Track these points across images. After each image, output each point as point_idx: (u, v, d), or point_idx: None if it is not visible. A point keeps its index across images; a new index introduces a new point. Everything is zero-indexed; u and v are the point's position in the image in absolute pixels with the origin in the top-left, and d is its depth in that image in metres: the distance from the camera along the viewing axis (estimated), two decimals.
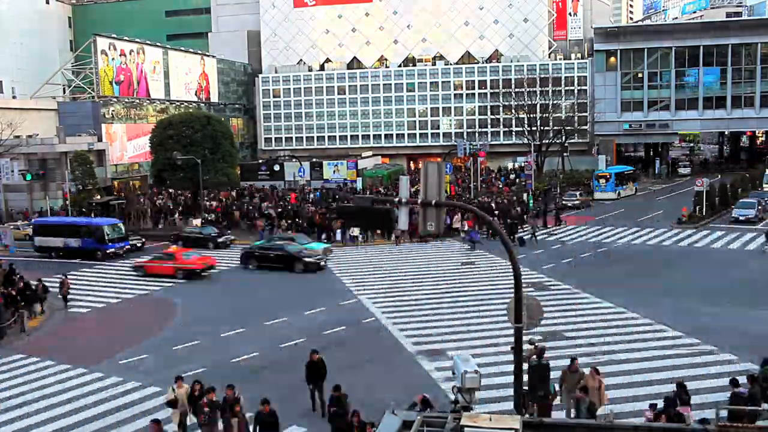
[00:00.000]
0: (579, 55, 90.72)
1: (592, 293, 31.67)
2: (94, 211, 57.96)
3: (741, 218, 49.86)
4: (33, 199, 60.51)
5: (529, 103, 78.71)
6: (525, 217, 52.61)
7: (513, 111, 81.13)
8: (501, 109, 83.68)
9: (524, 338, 15.35)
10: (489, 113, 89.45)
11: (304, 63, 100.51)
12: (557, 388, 18.22)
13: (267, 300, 33.33)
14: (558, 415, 17.46)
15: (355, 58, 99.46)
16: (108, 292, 35.97)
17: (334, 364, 23.52)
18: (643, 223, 51.56)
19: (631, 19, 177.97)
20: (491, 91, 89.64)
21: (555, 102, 78.45)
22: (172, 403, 18.38)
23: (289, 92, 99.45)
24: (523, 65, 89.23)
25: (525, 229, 48.23)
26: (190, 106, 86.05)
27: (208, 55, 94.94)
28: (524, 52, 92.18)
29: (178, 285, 36.83)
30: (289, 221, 51.40)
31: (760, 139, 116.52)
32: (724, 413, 15.09)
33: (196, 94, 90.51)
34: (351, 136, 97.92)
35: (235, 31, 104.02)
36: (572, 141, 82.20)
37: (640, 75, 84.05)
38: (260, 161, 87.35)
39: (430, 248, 45.25)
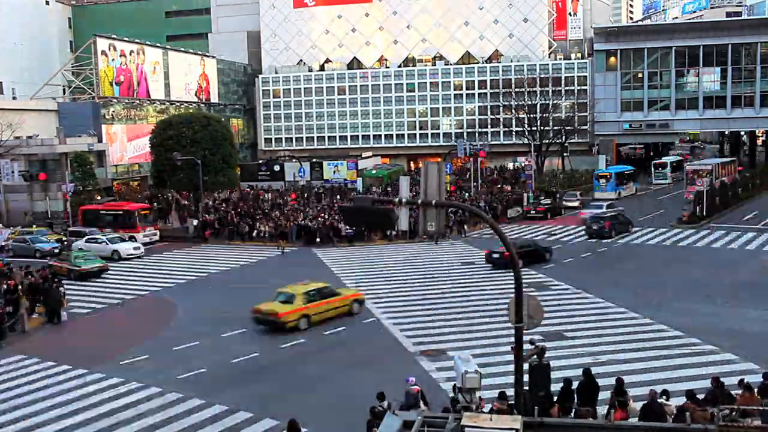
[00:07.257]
0: (579, 55, 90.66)
1: (593, 293, 31.69)
2: None
3: None
4: (33, 200, 60.50)
5: (529, 103, 78.64)
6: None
7: (513, 111, 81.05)
8: (501, 109, 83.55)
9: (525, 338, 15.36)
10: (489, 113, 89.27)
11: (304, 63, 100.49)
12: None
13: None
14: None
15: (355, 58, 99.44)
16: (108, 292, 35.99)
17: (335, 365, 23.63)
18: (643, 223, 51.57)
19: (631, 19, 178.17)
20: (491, 91, 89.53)
21: (555, 102, 78.37)
22: None
23: (289, 92, 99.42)
24: (523, 65, 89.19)
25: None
26: (190, 106, 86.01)
27: (208, 56, 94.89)
28: (524, 52, 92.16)
29: (178, 285, 36.83)
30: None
31: (761, 138, 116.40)
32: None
33: (196, 95, 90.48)
34: (351, 136, 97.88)
35: (235, 31, 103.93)
36: (572, 141, 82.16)
37: (640, 75, 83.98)
38: (260, 162, 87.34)
39: (431, 248, 45.27)
